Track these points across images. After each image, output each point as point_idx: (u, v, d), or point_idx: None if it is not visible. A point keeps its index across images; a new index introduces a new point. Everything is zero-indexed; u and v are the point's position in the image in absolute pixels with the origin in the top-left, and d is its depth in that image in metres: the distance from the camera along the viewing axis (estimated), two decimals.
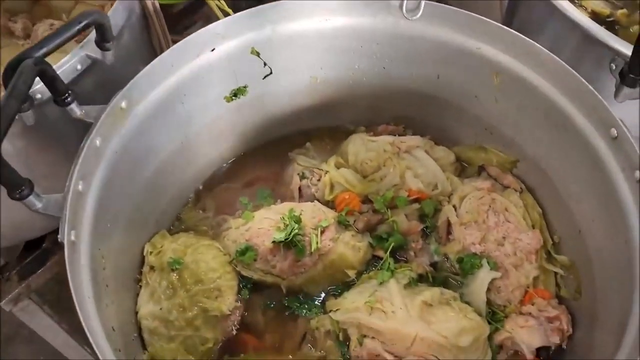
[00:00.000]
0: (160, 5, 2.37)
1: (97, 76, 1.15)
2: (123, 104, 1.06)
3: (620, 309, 0.93)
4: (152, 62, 1.09)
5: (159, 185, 1.26)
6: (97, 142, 1.00)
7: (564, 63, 1.09)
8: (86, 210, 0.97)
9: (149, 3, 1.34)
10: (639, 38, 1.01)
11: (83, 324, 0.83)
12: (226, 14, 1.55)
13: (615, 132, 1.01)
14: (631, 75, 1.04)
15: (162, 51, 1.31)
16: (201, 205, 1.39)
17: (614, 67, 1.13)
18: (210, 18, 1.62)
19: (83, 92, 1.06)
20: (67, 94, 0.98)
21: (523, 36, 1.14)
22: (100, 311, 0.93)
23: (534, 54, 1.13)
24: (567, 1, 1.20)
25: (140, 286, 1.20)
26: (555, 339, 1.10)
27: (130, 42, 1.31)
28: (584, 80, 1.06)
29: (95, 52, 1.09)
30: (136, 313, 1.17)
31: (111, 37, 1.06)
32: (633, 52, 1.02)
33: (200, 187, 1.41)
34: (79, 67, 1.10)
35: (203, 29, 1.15)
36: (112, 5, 1.26)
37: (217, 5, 1.57)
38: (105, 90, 1.12)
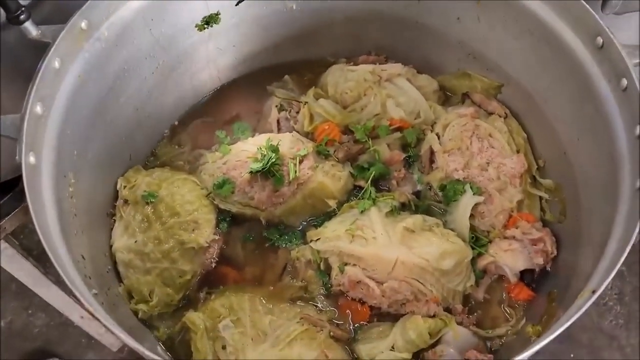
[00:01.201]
0: None
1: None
2: (83, 25, 1.00)
3: (603, 226, 0.91)
4: None
5: (130, 118, 1.21)
6: (56, 64, 0.95)
7: None
8: (47, 134, 0.93)
9: None
10: None
11: (45, 246, 0.80)
12: None
13: (601, 40, 0.96)
14: None
15: None
16: (177, 140, 1.35)
17: None
18: None
19: (44, 15, 1.01)
20: (20, 11, 0.91)
21: None
22: (67, 238, 0.90)
23: None
24: None
25: (114, 220, 1.17)
26: (539, 261, 1.08)
27: None
28: None
29: None
30: (110, 246, 1.14)
31: None
32: None
33: (176, 122, 1.37)
34: None
35: None
36: None
37: None
38: (60, 13, 1.06)
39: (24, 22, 0.92)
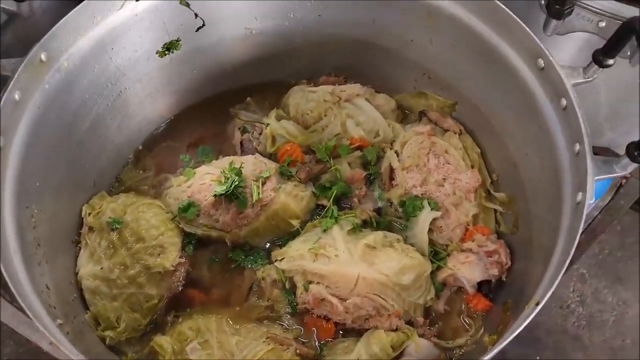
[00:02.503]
0: None
1: (19, 31, 1.10)
2: (43, 57, 1.01)
3: (550, 237, 0.96)
4: (69, 13, 1.04)
5: (94, 145, 1.23)
6: (16, 96, 0.97)
7: None
8: (9, 166, 0.94)
9: None
10: None
11: (7, 280, 0.81)
12: None
13: (542, 62, 1.02)
14: (556, 6, 1.05)
15: None
16: (141, 165, 1.37)
17: (542, 2, 1.14)
18: None
19: (4, 48, 1.02)
20: None
21: None
22: (30, 269, 0.91)
23: None
24: None
25: (80, 247, 1.18)
26: (494, 272, 1.13)
27: None
28: (511, 12, 1.06)
29: (10, 5, 1.04)
30: (76, 274, 1.14)
31: None
32: None
33: (140, 147, 1.38)
34: None
35: None
36: None
37: None
38: (21, 44, 1.07)
39: None
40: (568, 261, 0.82)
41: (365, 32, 1.34)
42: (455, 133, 1.31)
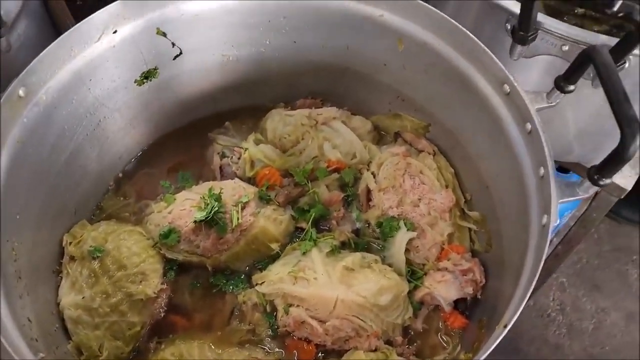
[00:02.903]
0: None
1: None
2: (21, 92, 1.03)
3: (520, 257, 0.99)
4: (47, 47, 1.06)
5: (74, 174, 1.24)
6: None
7: (459, 25, 1.13)
8: None
9: None
10: None
11: None
12: None
13: (508, 87, 1.06)
14: (521, 33, 1.10)
15: None
16: (122, 192, 1.38)
17: (508, 27, 1.18)
18: None
19: None
20: None
21: (421, 1, 1.17)
22: (11, 303, 0.92)
23: (432, 19, 1.17)
24: None
25: (61, 277, 1.19)
26: (469, 290, 1.16)
27: (31, 28, 1.27)
28: (478, 40, 1.11)
29: None
30: (57, 304, 1.15)
31: (2, 22, 1.03)
32: (520, 10, 1.07)
33: (120, 175, 1.40)
34: None
35: (100, 11, 1.13)
36: None
37: None
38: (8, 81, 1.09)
39: None
40: (534, 282, 0.85)
41: (340, 57, 1.37)
42: (429, 154, 1.34)
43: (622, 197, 1.57)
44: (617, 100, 0.83)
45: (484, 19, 1.29)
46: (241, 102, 1.50)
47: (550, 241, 1.56)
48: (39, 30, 1.33)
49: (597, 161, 1.50)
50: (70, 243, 1.21)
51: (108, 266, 1.17)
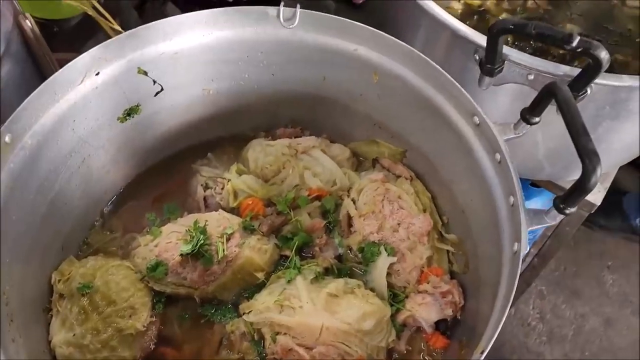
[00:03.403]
0: (54, 21, 2.31)
1: None
2: (7, 139, 1.06)
3: (494, 276, 1.04)
4: (32, 94, 1.09)
5: (60, 213, 1.26)
6: None
7: (429, 60, 1.18)
8: None
9: (27, 29, 1.33)
10: (490, 31, 1.11)
11: None
12: (118, 33, 1.57)
13: (477, 119, 1.11)
14: (488, 65, 1.15)
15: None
16: (108, 226, 1.40)
17: (477, 58, 1.24)
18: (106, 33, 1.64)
19: None
20: None
21: (393, 37, 1.22)
22: (6, 350, 0.94)
23: (404, 53, 1.22)
24: (434, 2, 1.28)
25: (51, 315, 1.21)
26: (449, 312, 1.21)
27: (14, 70, 1.30)
28: (448, 75, 1.16)
29: None
30: (49, 342, 1.17)
31: None
32: (486, 44, 1.13)
33: (106, 209, 1.42)
34: None
35: (83, 54, 1.16)
36: None
37: (109, 25, 1.58)
38: None
39: None
40: (509, 307, 0.90)
41: (317, 87, 1.41)
42: (406, 179, 1.39)
43: (592, 211, 1.64)
44: (577, 134, 0.89)
45: (454, 49, 1.34)
46: (222, 132, 1.53)
47: (528, 252, 1.63)
48: (22, 70, 1.36)
49: (567, 178, 1.57)
50: (59, 281, 1.23)
51: (97, 302, 1.19)
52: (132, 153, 1.42)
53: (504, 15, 1.68)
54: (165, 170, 1.50)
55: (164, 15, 1.81)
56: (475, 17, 1.67)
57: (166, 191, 1.47)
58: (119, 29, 1.64)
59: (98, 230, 1.39)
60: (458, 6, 1.68)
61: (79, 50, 1.99)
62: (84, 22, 2.16)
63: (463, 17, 1.67)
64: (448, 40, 1.32)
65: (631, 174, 2.69)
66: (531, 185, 1.89)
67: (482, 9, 1.70)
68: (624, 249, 2.63)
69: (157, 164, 1.49)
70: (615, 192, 2.64)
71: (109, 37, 1.86)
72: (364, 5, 3.49)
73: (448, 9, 1.66)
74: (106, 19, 1.57)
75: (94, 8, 1.61)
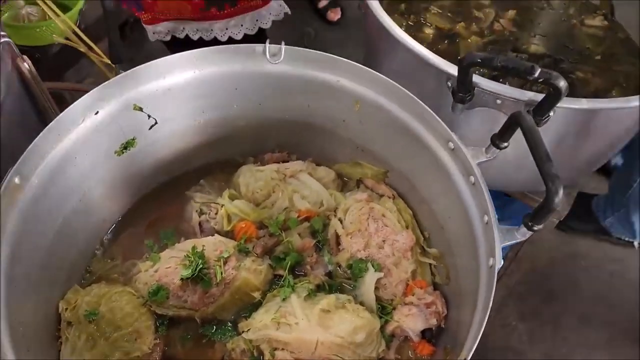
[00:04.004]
0: (36, 48, 2.37)
1: None
2: (17, 180, 1.13)
3: (473, 286, 1.14)
4: (37, 137, 1.16)
5: (63, 245, 1.33)
6: None
7: (407, 91, 1.28)
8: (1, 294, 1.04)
9: (25, 70, 1.40)
10: (460, 64, 1.22)
11: None
12: (107, 65, 1.65)
13: (452, 145, 1.21)
14: (460, 94, 1.26)
15: (46, 111, 1.39)
16: (109, 254, 1.47)
17: (449, 86, 1.35)
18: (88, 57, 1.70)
19: None
20: None
21: (372, 71, 1.32)
22: None
23: (381, 83, 1.32)
24: (408, 36, 1.39)
25: (61, 342, 1.28)
26: (434, 321, 1.30)
27: (15, 109, 1.37)
28: (425, 105, 1.26)
29: None
30: None
31: None
32: (458, 75, 1.23)
33: (105, 238, 1.49)
34: None
35: (84, 96, 1.24)
36: None
37: (99, 60, 1.66)
38: None
39: None
40: (486, 318, 1.00)
41: (302, 114, 1.51)
42: (389, 197, 1.49)
43: (561, 219, 1.76)
44: (540, 160, 1.00)
45: (427, 77, 1.45)
46: (213, 158, 1.62)
47: (505, 257, 1.74)
48: (21, 107, 1.43)
49: (538, 189, 1.68)
50: (66, 309, 1.30)
51: (104, 328, 1.27)
52: (128, 183, 1.49)
53: (472, 38, 1.80)
54: (160, 197, 1.57)
55: (143, 37, 1.91)
56: (446, 41, 1.79)
57: (161, 217, 1.55)
58: (102, 55, 1.72)
59: (99, 259, 1.46)
60: (430, 31, 1.80)
61: (62, 78, 2.07)
62: (66, 49, 2.23)
63: (435, 41, 1.79)
64: (422, 68, 1.42)
65: (598, 178, 2.83)
66: (505, 196, 2.00)
67: (453, 32, 1.82)
68: (595, 249, 2.75)
69: (152, 191, 1.57)
70: (584, 196, 2.78)
71: (91, 63, 1.93)
72: (339, 22, 3.61)
73: (421, 33, 1.79)
74: (88, 46, 1.64)
75: (76, 34, 1.68)
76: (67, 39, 1.78)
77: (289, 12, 1.87)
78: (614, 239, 2.80)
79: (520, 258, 1.99)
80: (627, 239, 2.80)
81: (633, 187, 2.43)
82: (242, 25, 1.78)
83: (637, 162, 2.36)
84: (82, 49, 1.64)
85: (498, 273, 1.74)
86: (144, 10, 1.73)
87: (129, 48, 1.96)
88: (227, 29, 1.76)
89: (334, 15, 3.47)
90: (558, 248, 2.79)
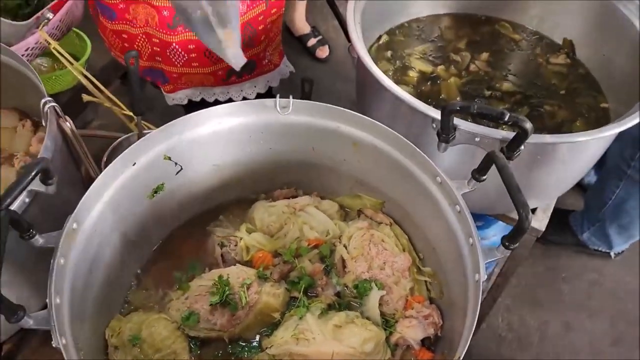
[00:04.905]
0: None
1: (42, 204, 1.42)
2: (74, 226, 1.33)
3: (463, 298, 1.35)
4: (90, 188, 1.37)
5: (107, 279, 1.52)
6: (62, 261, 1.27)
7: (398, 134, 1.50)
8: (65, 318, 1.23)
9: (67, 130, 1.61)
10: (442, 111, 1.44)
11: None
12: (129, 117, 1.86)
13: (439, 179, 1.44)
14: (443, 135, 1.48)
15: (85, 168, 1.60)
16: (143, 286, 1.66)
17: (434, 127, 1.57)
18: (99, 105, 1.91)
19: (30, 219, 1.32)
20: (30, 230, 1.24)
21: (367, 117, 1.55)
22: None
23: (375, 128, 1.55)
24: (395, 85, 1.61)
25: None
26: (431, 331, 1.51)
27: (59, 167, 1.57)
28: (414, 146, 1.48)
29: (39, 187, 1.35)
30: None
31: (53, 174, 1.33)
32: (441, 121, 1.46)
33: (139, 271, 1.69)
34: (27, 200, 1.36)
35: (125, 151, 1.45)
36: (38, 140, 1.54)
37: (120, 112, 1.87)
38: (45, 213, 1.40)
39: (34, 236, 1.24)
40: (473, 328, 1.21)
41: (307, 156, 1.73)
42: (387, 224, 1.71)
43: (539, 236, 1.99)
44: (512, 191, 1.22)
45: (413, 119, 1.67)
46: (229, 196, 1.83)
47: (492, 273, 1.96)
48: (65, 164, 1.63)
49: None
50: (112, 335, 1.49)
51: (147, 350, 1.46)
52: (157, 222, 1.70)
53: (452, 79, 2.05)
54: (185, 233, 1.78)
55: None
56: (429, 82, 2.03)
57: (187, 251, 1.75)
58: (124, 108, 1.94)
59: (135, 290, 1.66)
60: (414, 74, 2.04)
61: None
62: (76, 96, 2.44)
63: (419, 82, 2.04)
64: (409, 112, 1.65)
65: (575, 194, 3.08)
66: (488, 216, 2.23)
67: (434, 74, 2.06)
68: (574, 261, 2.99)
69: (178, 228, 1.78)
70: (562, 212, 3.02)
71: (94, 108, 2.13)
72: (328, 59, 3.87)
73: (406, 76, 2.03)
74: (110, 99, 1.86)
75: (93, 84, 1.90)
76: (88, 93, 1.98)
77: (294, 71, 2.11)
78: (591, 251, 3.03)
79: (506, 273, 2.21)
80: (603, 250, 3.03)
81: (608, 204, 2.67)
82: (255, 87, 2.02)
83: (609, 182, 2.61)
84: (107, 104, 1.86)
85: (486, 288, 2.01)
86: (168, 82, 1.96)
87: (147, 100, 2.18)
88: (242, 90, 1.99)
89: (322, 53, 3.73)
90: (540, 261, 3.02)
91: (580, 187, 3.15)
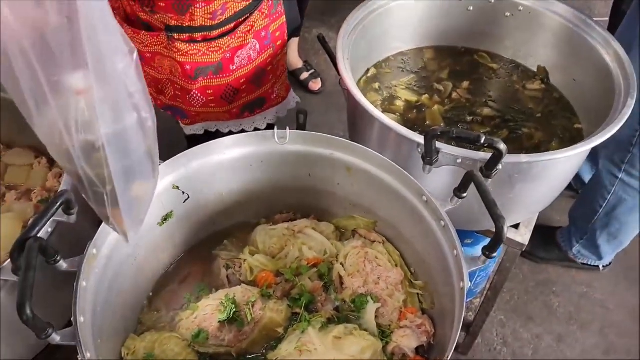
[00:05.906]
0: None
1: (63, 232, 1.55)
2: (94, 251, 1.46)
3: (451, 307, 1.47)
4: None
5: (124, 302, 1.64)
6: (84, 284, 1.39)
7: (387, 159, 1.65)
8: (87, 335, 1.35)
9: None
10: (425, 137, 1.59)
11: None
12: None
13: (425, 198, 1.58)
14: (427, 158, 1.63)
15: None
16: (154, 307, 1.78)
17: (419, 151, 1.72)
18: None
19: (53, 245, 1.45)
20: (56, 256, 1.36)
21: (359, 144, 1.70)
22: None
23: (366, 154, 1.69)
24: (383, 115, 1.76)
25: None
26: (424, 339, 1.63)
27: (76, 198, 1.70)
28: (401, 169, 1.62)
29: (62, 216, 1.49)
30: None
31: (74, 205, 1.47)
32: (424, 145, 1.60)
33: (150, 294, 1.81)
34: (49, 230, 1.49)
35: None
36: (54, 176, 1.68)
37: None
38: (65, 240, 1.53)
39: (59, 262, 1.37)
40: (459, 330, 1.33)
41: (304, 181, 1.87)
42: (380, 243, 1.84)
43: (524, 249, 2.12)
44: (490, 206, 1.36)
45: (400, 144, 1.81)
46: (233, 221, 1.96)
47: (483, 288, 2.07)
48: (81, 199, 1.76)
49: None
50: (127, 354, 1.60)
51: None
52: (168, 247, 1.83)
53: (435, 107, 2.20)
54: (191, 257, 1.90)
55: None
56: (414, 110, 2.19)
57: (194, 273, 1.87)
58: None
59: (147, 312, 1.77)
60: (401, 103, 2.20)
61: None
62: None
63: (406, 111, 2.19)
64: (396, 137, 1.80)
65: (561, 211, 3.21)
66: (476, 234, 2.36)
67: (419, 103, 2.22)
68: (564, 275, 3.11)
69: (186, 252, 1.90)
70: (549, 229, 3.16)
71: None
72: (321, 91, 4.04)
73: (394, 105, 2.19)
74: None
75: None
76: None
77: (299, 101, 2.27)
78: (580, 265, 3.15)
79: (495, 286, 2.33)
80: (592, 264, 3.14)
81: (599, 212, 2.76)
82: (265, 118, 2.19)
83: (599, 191, 2.72)
84: None
85: (479, 304, 2.11)
86: (187, 118, 2.12)
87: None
88: (253, 122, 2.16)
89: (315, 85, 3.91)
90: (531, 277, 3.14)
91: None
